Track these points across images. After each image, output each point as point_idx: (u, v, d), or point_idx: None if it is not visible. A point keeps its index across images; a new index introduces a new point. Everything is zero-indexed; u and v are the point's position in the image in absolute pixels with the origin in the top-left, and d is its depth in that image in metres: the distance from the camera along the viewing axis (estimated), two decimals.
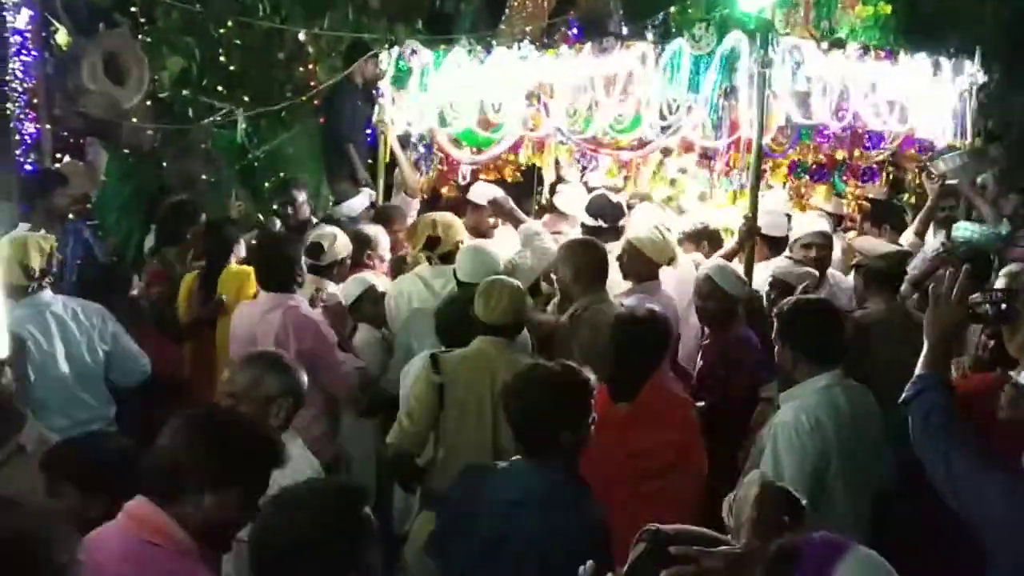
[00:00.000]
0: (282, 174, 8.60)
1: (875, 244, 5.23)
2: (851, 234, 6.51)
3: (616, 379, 3.56)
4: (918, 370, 2.65)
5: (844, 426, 3.23)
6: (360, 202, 6.69)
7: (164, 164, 8.09)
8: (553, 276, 4.82)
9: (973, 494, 2.36)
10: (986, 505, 2.33)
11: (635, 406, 3.55)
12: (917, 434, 2.54)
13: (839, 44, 5.14)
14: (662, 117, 4.86)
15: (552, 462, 2.83)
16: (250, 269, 4.94)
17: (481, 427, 3.67)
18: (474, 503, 2.89)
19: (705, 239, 5.65)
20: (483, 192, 5.88)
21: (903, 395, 2.64)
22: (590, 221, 5.56)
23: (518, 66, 5.19)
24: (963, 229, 6.24)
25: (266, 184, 8.50)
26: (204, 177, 8.14)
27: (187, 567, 2.20)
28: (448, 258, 4.89)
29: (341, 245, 5.10)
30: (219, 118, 8.25)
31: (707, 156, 5.40)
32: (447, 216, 5.25)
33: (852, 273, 4.97)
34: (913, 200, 7.22)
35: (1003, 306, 2.70)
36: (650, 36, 5.03)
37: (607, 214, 5.55)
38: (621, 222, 5.56)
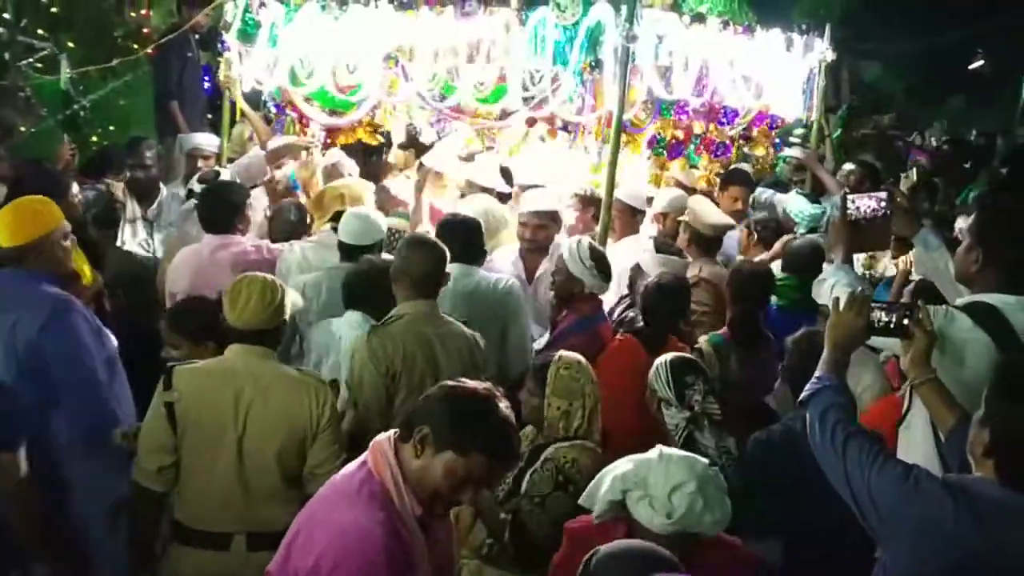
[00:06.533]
0: (111, 128, 7.99)
1: (708, 210, 5.36)
2: None
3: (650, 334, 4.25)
4: (816, 373, 2.69)
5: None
6: (210, 140, 6.37)
7: None
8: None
9: (867, 486, 2.40)
10: (879, 496, 2.37)
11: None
12: (815, 431, 2.57)
13: (700, 19, 5.14)
14: (525, 88, 4.75)
15: None
16: None
17: (220, 455, 3.11)
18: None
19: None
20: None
21: (801, 395, 2.68)
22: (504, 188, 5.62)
23: (375, 25, 4.91)
24: (790, 203, 6.33)
25: (94, 138, 7.85)
26: (23, 129, 7.45)
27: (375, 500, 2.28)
28: None
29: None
30: (39, 64, 7.53)
31: (566, 129, 5.32)
32: (354, 188, 5.06)
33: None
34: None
35: (905, 320, 2.74)
36: (514, 3, 4.84)
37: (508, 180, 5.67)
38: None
